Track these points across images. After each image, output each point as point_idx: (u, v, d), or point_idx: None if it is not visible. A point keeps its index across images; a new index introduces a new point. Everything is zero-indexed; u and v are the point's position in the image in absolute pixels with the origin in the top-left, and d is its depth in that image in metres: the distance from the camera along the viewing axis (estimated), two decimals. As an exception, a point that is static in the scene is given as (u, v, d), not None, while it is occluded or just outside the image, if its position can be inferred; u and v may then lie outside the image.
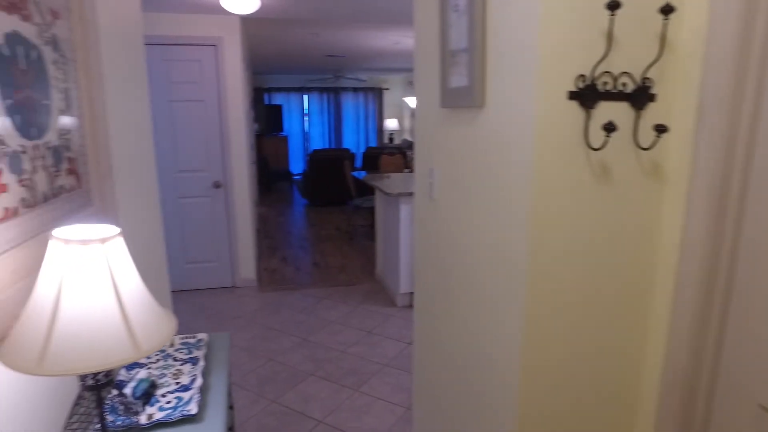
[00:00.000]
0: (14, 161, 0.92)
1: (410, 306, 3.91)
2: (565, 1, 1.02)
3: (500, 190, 1.24)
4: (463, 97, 1.36)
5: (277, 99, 11.30)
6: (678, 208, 1.14)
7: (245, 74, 4.67)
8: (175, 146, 3.96)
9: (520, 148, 1.14)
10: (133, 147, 1.86)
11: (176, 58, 3.84)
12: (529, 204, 1.12)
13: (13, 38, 0.95)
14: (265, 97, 11.20)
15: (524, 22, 1.08)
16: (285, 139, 10.80)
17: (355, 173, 6.57)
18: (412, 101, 6.44)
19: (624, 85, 1.10)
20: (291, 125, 11.50)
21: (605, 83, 1.09)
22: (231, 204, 4.15)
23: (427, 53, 1.69)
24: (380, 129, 11.95)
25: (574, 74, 1.07)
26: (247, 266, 4.32)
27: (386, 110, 12.01)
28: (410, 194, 3.62)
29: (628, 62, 1.08)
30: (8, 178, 0.90)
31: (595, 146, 1.11)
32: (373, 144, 11.99)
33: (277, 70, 10.05)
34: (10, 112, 0.92)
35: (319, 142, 11.75)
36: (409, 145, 10.42)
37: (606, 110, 1.10)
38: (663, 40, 1.06)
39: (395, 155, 6.83)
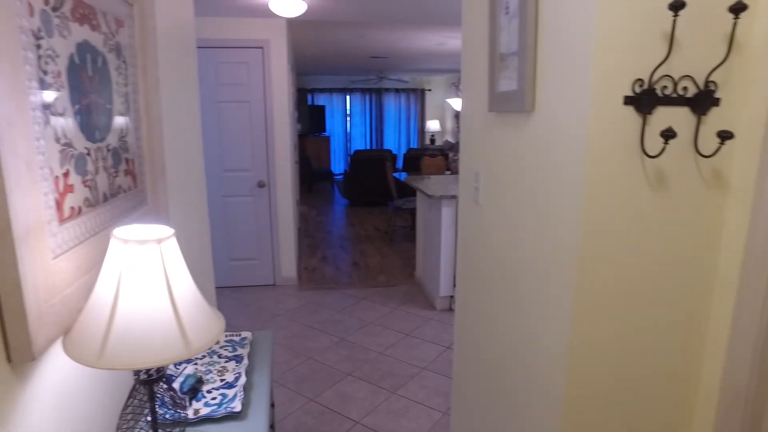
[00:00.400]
0: (79, 163, 0.97)
1: (449, 309, 3.88)
2: (623, 3, 0.98)
3: (549, 198, 1.20)
4: (511, 101, 1.33)
5: (320, 99, 11.47)
6: (741, 220, 1.08)
7: (290, 76, 4.76)
8: (221, 146, 4.08)
9: (572, 155, 1.10)
10: (184, 147, 1.93)
11: (225, 60, 3.96)
12: (579, 213, 1.08)
13: (84, 47, 1.01)
14: (309, 97, 11.38)
15: (579, 25, 1.04)
16: (327, 139, 10.94)
17: (396, 174, 6.58)
18: (455, 103, 6.39)
19: (685, 89, 1.04)
20: (333, 125, 11.65)
21: (664, 87, 1.04)
22: (274, 204, 4.24)
23: (475, 56, 1.67)
24: (422, 130, 11.92)
25: (631, 78, 1.02)
26: (288, 265, 4.40)
27: (428, 111, 11.97)
28: (452, 197, 3.59)
29: (690, 65, 1.03)
30: (74, 179, 0.94)
31: (652, 153, 1.06)
32: (414, 145, 11.97)
33: (321, 71, 10.20)
34: (78, 116, 0.97)
35: (360, 142, 11.84)
36: (451, 147, 10.34)
37: (664, 116, 1.05)
38: (731, 41, 1.01)
39: (437, 157, 6.79)
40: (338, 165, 11.81)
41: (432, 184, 4.16)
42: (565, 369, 1.15)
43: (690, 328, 1.16)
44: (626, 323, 1.14)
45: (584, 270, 1.10)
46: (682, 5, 0.92)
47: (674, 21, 0.96)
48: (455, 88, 7.09)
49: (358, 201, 8.07)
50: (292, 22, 4.46)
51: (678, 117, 1.06)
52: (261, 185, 4.18)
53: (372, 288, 4.36)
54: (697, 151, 1.07)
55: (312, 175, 9.54)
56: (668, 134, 0.99)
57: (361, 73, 10.46)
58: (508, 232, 1.46)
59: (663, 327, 1.15)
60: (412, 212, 6.06)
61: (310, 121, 10.75)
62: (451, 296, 3.85)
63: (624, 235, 1.10)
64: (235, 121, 4.06)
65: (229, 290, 4.29)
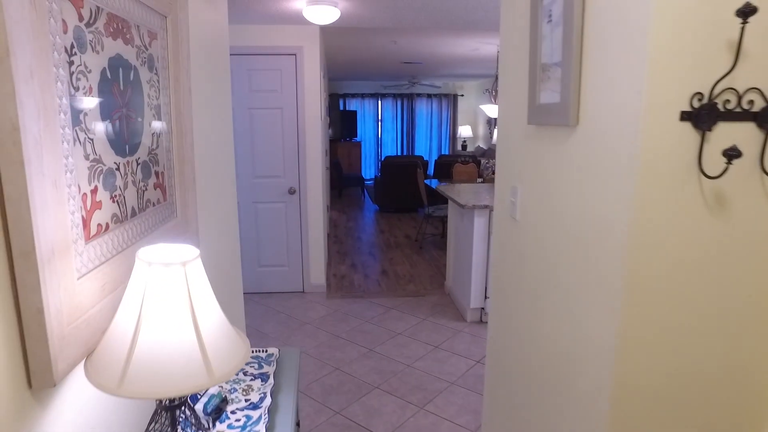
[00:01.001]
0: (108, 178, 0.95)
1: (480, 321, 3.78)
2: (683, 9, 0.90)
3: (594, 220, 1.12)
4: (553, 114, 1.26)
5: (352, 105, 11.51)
6: (814, 248, 0.98)
7: (322, 82, 4.77)
8: (252, 153, 4.11)
9: (620, 175, 1.02)
10: (215, 157, 1.93)
11: (258, 67, 3.99)
12: (627, 238, 1.00)
13: (116, 61, 0.99)
14: (341, 102, 11.44)
15: (631, 33, 0.97)
16: (358, 144, 10.96)
17: (427, 181, 6.51)
18: (488, 109, 6.29)
19: (751, 102, 0.95)
20: (365, 131, 11.66)
21: (727, 101, 0.95)
22: (304, 211, 4.24)
23: (514, 66, 1.60)
24: (453, 136, 11.81)
25: (689, 92, 0.94)
26: (317, 272, 4.39)
27: (460, 117, 11.85)
28: (485, 207, 3.50)
29: (758, 76, 0.94)
30: (102, 195, 0.93)
31: (711, 174, 0.97)
32: (445, 151, 11.87)
33: (353, 76, 10.23)
34: (108, 130, 0.95)
35: (391, 148, 11.82)
36: (483, 153, 10.20)
37: (726, 132, 0.96)
38: (805, 52, 0.91)
39: (469, 164, 6.69)
40: (369, 170, 11.81)
41: (464, 192, 4.08)
42: (609, 398, 1.07)
43: (752, 364, 1.06)
44: (678, 354, 1.05)
45: (632, 301, 1.02)
46: (753, 11, 0.84)
47: (742, 28, 0.87)
48: (489, 93, 6.97)
49: (388, 207, 8.03)
50: (325, 29, 4.47)
51: (742, 133, 0.97)
52: (291, 192, 4.19)
53: (401, 298, 4.30)
54: (765, 172, 0.98)
55: (342, 180, 9.56)
56: (732, 153, 0.90)
57: (393, 78, 10.45)
58: (547, 251, 1.38)
59: (719, 365, 1.05)
60: (443, 220, 5.98)
61: (342, 126, 10.79)
62: (482, 308, 3.76)
63: (676, 262, 1.01)
64: (267, 128, 4.09)
65: (259, 296, 4.31)
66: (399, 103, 11.59)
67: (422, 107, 11.70)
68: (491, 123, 10.47)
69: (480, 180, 6.36)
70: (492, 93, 6.11)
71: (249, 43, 3.93)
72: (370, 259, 5.45)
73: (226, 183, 2.05)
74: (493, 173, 5.05)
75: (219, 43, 2.01)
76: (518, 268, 1.61)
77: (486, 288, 3.68)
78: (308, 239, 4.31)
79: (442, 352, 3.33)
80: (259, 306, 4.10)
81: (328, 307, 4.07)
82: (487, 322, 3.70)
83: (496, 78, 6.28)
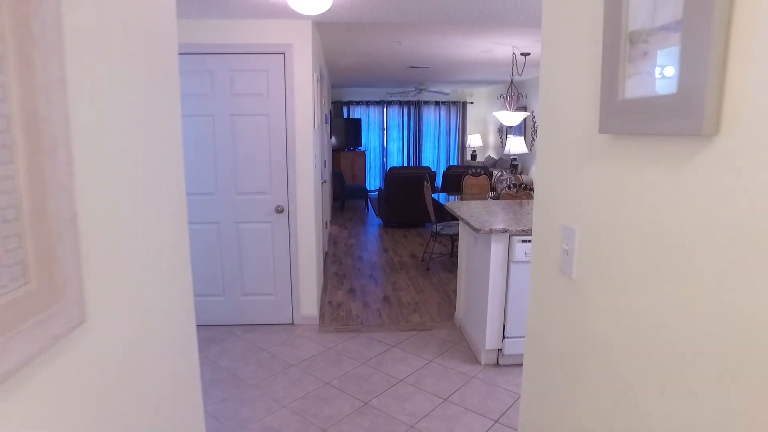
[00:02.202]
0: None
1: (496, 364, 3.20)
2: None
3: (739, 296, 0.57)
4: (660, 114, 0.71)
5: (356, 112, 11.02)
6: None
7: (317, 86, 4.25)
8: (235, 166, 3.59)
9: None
10: (142, 181, 1.38)
11: (241, 68, 3.48)
12: None
13: None
14: (344, 110, 10.96)
15: None
16: (363, 154, 10.46)
17: (435, 195, 5.96)
18: (502, 116, 5.74)
19: None
20: (369, 140, 11.16)
21: None
22: (294, 232, 3.70)
23: (568, 43, 1.05)
24: (462, 145, 11.27)
25: None
26: (308, 302, 3.84)
27: (469, 125, 11.31)
28: (504, 231, 2.93)
29: None
30: None
31: None
32: (454, 161, 11.32)
33: (357, 83, 9.75)
34: None
35: (398, 157, 11.30)
36: (494, 164, 9.64)
37: None
38: None
39: (480, 176, 6.13)
40: (374, 181, 11.29)
41: (476, 211, 3.52)
42: None
43: None
44: None
45: None
46: None
47: None
48: (503, 99, 6.43)
49: (392, 222, 7.48)
50: (318, 25, 3.95)
51: None
52: (279, 210, 3.65)
53: (404, 332, 3.74)
54: None
55: (345, 191, 9.04)
56: None
57: (399, 84, 9.95)
58: (635, 332, 0.82)
59: None
60: (453, 238, 5.41)
61: (347, 135, 10.29)
62: (499, 349, 3.18)
63: None
64: (251, 137, 3.57)
65: (241, 329, 3.77)
66: (405, 110, 11.08)
67: (430, 115, 11.19)
68: (503, 131, 9.92)
69: (492, 194, 5.80)
70: (506, 99, 5.56)
71: (230, 40, 3.42)
72: (371, 284, 4.89)
73: (164, 218, 1.47)
74: (509, 187, 4.48)
75: (155, 31, 1.47)
76: (575, 344, 1.05)
77: (504, 326, 3.11)
78: (298, 265, 3.77)
79: (453, 407, 2.75)
80: (240, 342, 3.56)
81: (320, 344, 3.52)
82: (504, 365, 3.14)
83: (511, 82, 5.75)
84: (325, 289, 4.68)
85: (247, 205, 3.65)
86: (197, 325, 3.78)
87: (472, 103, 11.20)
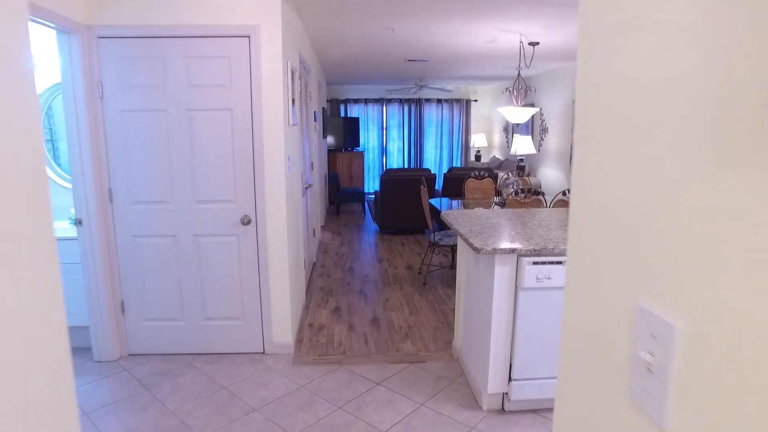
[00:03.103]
0: None
1: (501, 410, 2.65)
2: None
3: None
4: None
5: (354, 111, 10.48)
6: None
7: (291, 75, 3.71)
8: (193, 169, 3.05)
9: None
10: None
11: (199, 53, 2.94)
12: None
13: None
14: (342, 108, 10.42)
15: None
16: (361, 155, 9.91)
17: (435, 200, 5.40)
18: (508, 112, 5.17)
19: None
20: (368, 140, 10.61)
21: None
22: (264, 246, 3.16)
23: None
24: (466, 145, 10.70)
25: None
26: (281, 327, 3.29)
27: (473, 124, 10.75)
28: (512, 251, 2.38)
29: None
30: None
31: None
32: (457, 162, 10.75)
33: (354, 79, 9.20)
34: None
35: (398, 158, 10.74)
36: (500, 165, 9.07)
37: None
38: None
39: (484, 179, 5.57)
40: (373, 183, 10.74)
41: (477, 223, 2.96)
42: None
43: None
44: None
45: None
46: None
47: None
48: (509, 93, 5.87)
49: (389, 228, 6.93)
50: (296, 7, 3.42)
51: None
52: (246, 221, 3.11)
53: (394, 364, 3.18)
54: None
55: (340, 194, 8.49)
56: None
57: (398, 81, 9.39)
58: None
59: None
60: (453, 248, 4.86)
61: (344, 134, 9.75)
62: (504, 393, 2.62)
63: None
64: (212, 136, 3.03)
65: (202, 360, 3.23)
66: (406, 109, 10.52)
67: (431, 114, 10.62)
68: (509, 130, 9.35)
69: (497, 199, 5.24)
70: (513, 93, 4.99)
71: (185, 20, 2.88)
72: (360, 301, 4.34)
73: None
74: (516, 193, 3.92)
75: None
76: None
77: (511, 366, 2.55)
78: (269, 284, 3.22)
79: (446, 473, 2.20)
80: (198, 377, 3.01)
81: (292, 380, 2.97)
82: (511, 412, 2.57)
83: (518, 75, 5.18)
84: (307, 308, 4.14)
85: (208, 215, 3.11)
86: (151, 354, 3.24)
87: (476, 100, 10.63)
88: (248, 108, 3.02)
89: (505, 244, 2.42)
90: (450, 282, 4.82)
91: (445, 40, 5.00)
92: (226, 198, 3.10)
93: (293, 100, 3.54)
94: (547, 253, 2.39)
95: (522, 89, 4.93)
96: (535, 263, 2.40)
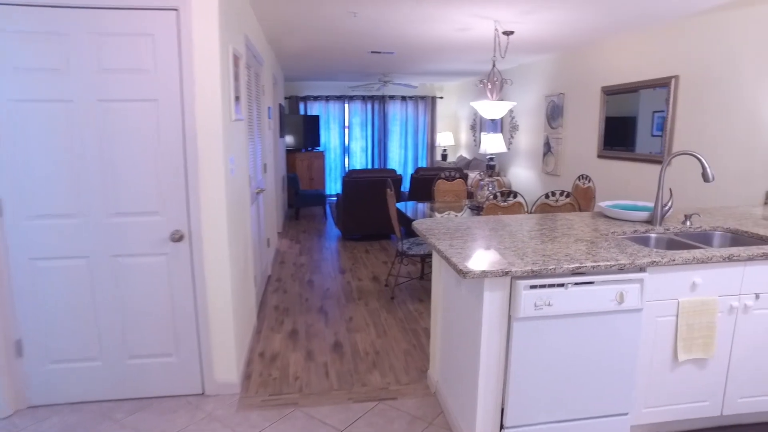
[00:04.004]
0: None
1: (491, 462, 2.19)
2: None
3: None
4: None
5: (314, 109, 9.92)
6: None
7: (234, 61, 3.16)
8: (106, 174, 2.46)
9: None
10: None
11: (112, 30, 2.36)
12: None
13: None
14: (301, 106, 9.84)
15: None
16: (321, 155, 9.36)
17: (402, 204, 4.93)
18: (482, 107, 4.76)
19: None
20: (329, 139, 10.07)
21: None
22: (200, 267, 2.60)
23: None
24: (432, 144, 10.33)
25: None
26: (224, 362, 2.74)
27: (439, 123, 10.39)
28: (505, 273, 1.92)
29: None
30: None
31: None
32: (423, 162, 10.36)
33: (314, 75, 8.64)
34: None
35: (361, 158, 10.25)
36: (468, 164, 8.72)
37: None
38: None
39: (455, 180, 5.15)
40: (335, 185, 10.22)
41: (458, 235, 2.50)
42: None
43: None
44: None
45: None
46: None
47: None
48: (483, 86, 5.46)
49: (353, 234, 6.43)
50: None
51: None
52: (177, 238, 2.54)
53: (359, 403, 2.69)
54: None
55: (299, 198, 7.93)
56: None
57: (361, 77, 8.90)
58: None
59: None
60: (423, 258, 4.41)
61: (305, 133, 9.17)
62: (495, 441, 2.17)
63: None
64: (132, 133, 2.45)
65: (127, 407, 2.63)
66: (369, 106, 10.04)
67: (396, 111, 10.19)
68: (476, 128, 9.01)
69: (468, 202, 4.82)
70: (487, 85, 4.58)
71: (92, -13, 2.30)
72: (320, 321, 3.82)
73: None
74: (494, 197, 3.50)
75: None
76: None
77: (502, 412, 2.10)
78: (208, 313, 2.67)
79: None
80: (112, 429, 2.43)
81: (236, 431, 2.43)
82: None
83: (493, 66, 4.77)
84: (258, 332, 3.59)
85: (129, 230, 2.52)
86: (58, 404, 2.63)
87: (441, 97, 10.27)
88: (178, 98, 2.45)
89: (496, 265, 1.96)
90: (420, 295, 4.37)
91: (413, 28, 4.54)
92: (151, 209, 2.52)
93: (238, 91, 2.99)
94: (547, 274, 1.95)
95: (498, 81, 4.53)
96: (532, 287, 1.95)
